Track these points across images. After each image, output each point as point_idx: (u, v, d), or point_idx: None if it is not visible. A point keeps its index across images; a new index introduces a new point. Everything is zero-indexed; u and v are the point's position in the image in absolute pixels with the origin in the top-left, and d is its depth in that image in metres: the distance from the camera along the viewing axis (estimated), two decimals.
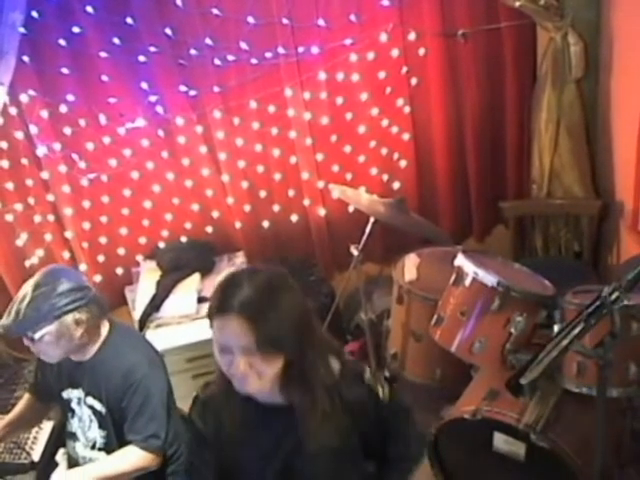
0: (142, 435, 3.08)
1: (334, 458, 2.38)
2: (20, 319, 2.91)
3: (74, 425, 3.33)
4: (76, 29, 4.41)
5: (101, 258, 5.11)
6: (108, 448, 3.22)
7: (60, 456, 3.56)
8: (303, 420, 2.33)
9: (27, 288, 2.96)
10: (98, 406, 3.17)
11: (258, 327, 2.12)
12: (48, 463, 3.70)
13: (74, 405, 3.27)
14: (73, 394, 3.25)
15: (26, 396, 3.52)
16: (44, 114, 4.60)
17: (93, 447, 3.26)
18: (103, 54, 4.49)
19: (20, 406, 3.50)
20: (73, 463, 3.43)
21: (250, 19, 4.49)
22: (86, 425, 3.25)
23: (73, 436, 3.36)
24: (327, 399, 2.31)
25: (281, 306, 2.18)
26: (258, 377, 2.22)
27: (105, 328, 3.19)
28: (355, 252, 4.17)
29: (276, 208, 5.09)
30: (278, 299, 2.19)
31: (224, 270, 4.93)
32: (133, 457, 3.08)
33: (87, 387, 3.19)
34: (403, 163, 5.04)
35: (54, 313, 2.93)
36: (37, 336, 2.94)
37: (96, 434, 3.23)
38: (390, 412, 2.50)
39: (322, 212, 5.13)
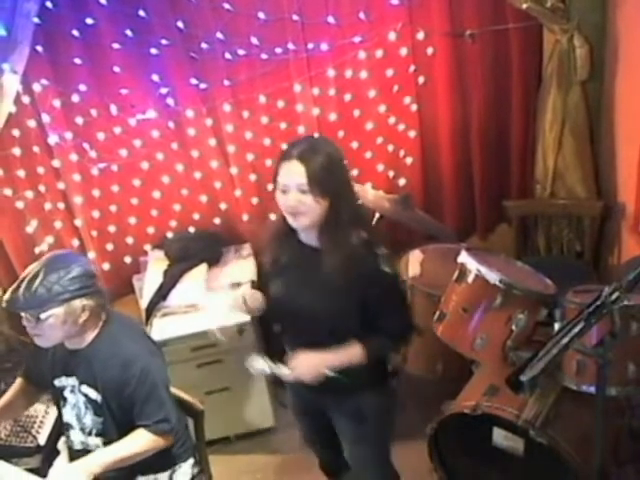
0: (152, 420, 3.07)
1: (338, 303, 2.93)
2: (30, 296, 2.87)
3: (67, 414, 3.30)
4: (89, 20, 4.41)
5: (110, 247, 5.11)
6: (105, 434, 3.20)
7: (62, 444, 3.56)
8: (325, 259, 2.89)
9: (39, 267, 2.92)
10: (93, 394, 3.14)
11: (309, 171, 2.77)
12: (54, 447, 3.71)
13: (67, 393, 3.24)
14: (67, 382, 3.22)
15: (18, 380, 3.46)
16: (56, 103, 4.60)
17: (90, 434, 3.24)
18: (115, 45, 4.50)
19: (12, 390, 3.44)
20: (71, 453, 3.42)
21: (261, 15, 4.49)
22: (82, 412, 3.22)
23: (67, 425, 3.34)
24: (348, 251, 2.87)
25: (329, 161, 2.83)
26: (306, 213, 2.83)
27: (103, 318, 3.16)
28: None
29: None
30: (328, 156, 2.84)
31: (231, 261, 4.97)
32: (144, 440, 3.09)
33: (82, 375, 3.16)
34: (409, 160, 5.03)
35: (65, 296, 2.90)
36: (43, 316, 2.90)
37: (92, 421, 3.20)
38: (390, 290, 2.99)
39: None
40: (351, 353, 2.97)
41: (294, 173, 2.80)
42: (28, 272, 2.93)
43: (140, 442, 3.09)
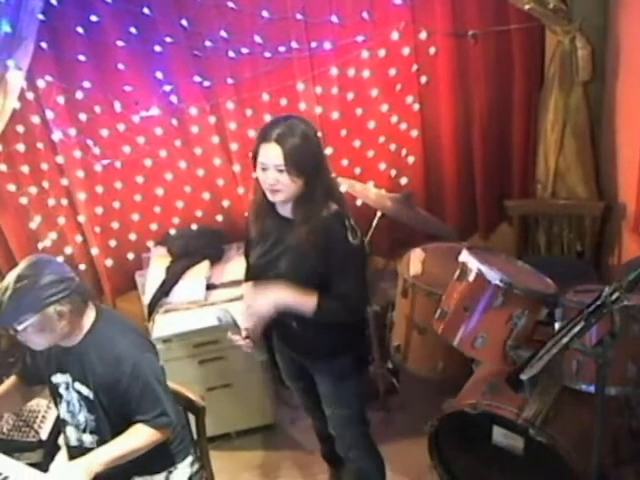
0: (150, 415, 3.08)
1: (304, 270, 3.17)
2: (2, 312, 2.87)
3: (62, 410, 3.31)
4: (94, 17, 4.42)
5: (113, 243, 5.12)
6: (99, 431, 3.21)
7: (62, 440, 3.56)
8: (296, 230, 3.15)
9: (10, 279, 2.90)
10: (85, 391, 3.14)
11: (286, 153, 2.97)
12: (55, 442, 3.72)
13: (62, 390, 3.24)
14: (62, 379, 3.22)
15: (13, 378, 3.45)
16: (60, 100, 4.61)
17: (84, 431, 3.24)
18: (120, 43, 4.50)
19: (5, 386, 3.43)
20: (68, 450, 3.43)
21: (265, 13, 4.48)
22: (76, 409, 3.23)
23: (63, 422, 3.35)
24: (319, 222, 3.11)
25: (305, 142, 3.02)
26: (282, 190, 3.05)
27: (91, 315, 3.14)
28: None
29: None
30: (304, 137, 3.03)
31: (233, 258, 4.96)
32: (144, 435, 3.08)
33: (75, 373, 3.16)
34: (411, 159, 5.03)
35: (36, 305, 2.89)
36: (20, 328, 2.89)
37: (85, 418, 3.21)
38: (350, 258, 3.16)
39: None
40: (305, 299, 3.17)
41: (272, 155, 3.00)
42: (1, 286, 2.92)
43: (139, 437, 3.09)
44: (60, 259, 4.88)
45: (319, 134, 3.24)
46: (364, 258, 3.31)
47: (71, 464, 3.10)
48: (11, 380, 3.45)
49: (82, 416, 3.21)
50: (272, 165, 3.01)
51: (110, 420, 3.16)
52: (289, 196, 3.10)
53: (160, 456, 3.32)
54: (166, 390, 3.22)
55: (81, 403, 3.18)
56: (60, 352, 3.15)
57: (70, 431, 3.32)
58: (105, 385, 3.08)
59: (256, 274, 3.39)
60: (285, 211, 3.23)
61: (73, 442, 3.32)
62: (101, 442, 3.17)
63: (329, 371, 3.49)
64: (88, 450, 3.14)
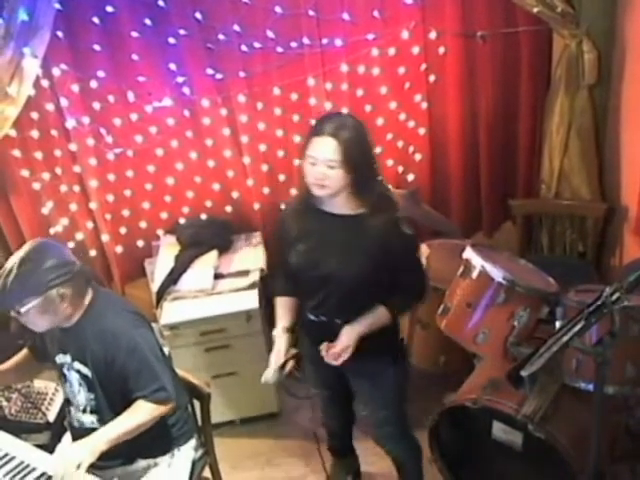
0: (148, 390, 3.09)
1: (364, 266, 3.09)
2: (6, 294, 2.90)
3: (67, 390, 3.34)
4: (109, 8, 4.41)
5: (123, 230, 5.12)
6: (98, 411, 3.24)
7: (67, 421, 3.59)
8: (351, 226, 3.12)
9: (13, 262, 2.93)
10: (84, 370, 3.17)
11: (340, 147, 2.92)
12: (62, 424, 3.73)
13: (65, 370, 3.27)
14: (64, 359, 3.25)
15: (24, 351, 3.51)
16: (75, 88, 4.60)
17: (84, 411, 3.27)
18: (134, 34, 4.49)
19: (17, 358, 3.49)
20: (71, 430, 3.46)
21: (278, 9, 4.48)
22: (75, 389, 3.25)
23: (67, 402, 3.38)
24: (370, 217, 3.08)
25: (357, 137, 2.99)
26: (329, 186, 3.00)
27: (89, 296, 3.17)
28: None
29: (294, 192, 5.03)
30: (356, 132, 2.99)
31: (241, 249, 4.98)
32: (145, 410, 3.10)
33: (73, 352, 3.19)
34: (418, 157, 5.03)
35: (39, 288, 2.92)
36: (23, 310, 2.93)
37: (85, 398, 3.24)
38: (410, 250, 3.24)
39: None
40: (378, 317, 3.19)
41: (325, 149, 2.95)
42: (4, 268, 2.95)
43: (141, 413, 3.11)
44: (70, 244, 4.92)
45: (369, 132, 3.15)
46: (419, 246, 3.42)
47: (75, 444, 3.12)
48: (23, 353, 3.50)
49: (82, 396, 3.24)
50: (323, 159, 2.96)
51: (109, 399, 3.19)
52: (335, 192, 3.05)
53: (163, 439, 3.35)
54: (164, 365, 3.24)
55: (80, 383, 3.22)
56: (60, 333, 3.19)
57: (73, 411, 3.35)
58: (103, 362, 3.11)
59: (298, 273, 3.32)
60: (332, 207, 3.17)
61: (75, 422, 3.36)
62: (101, 422, 3.22)
63: (369, 372, 3.44)
64: (89, 430, 3.17)
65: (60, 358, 3.26)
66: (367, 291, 3.16)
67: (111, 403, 3.19)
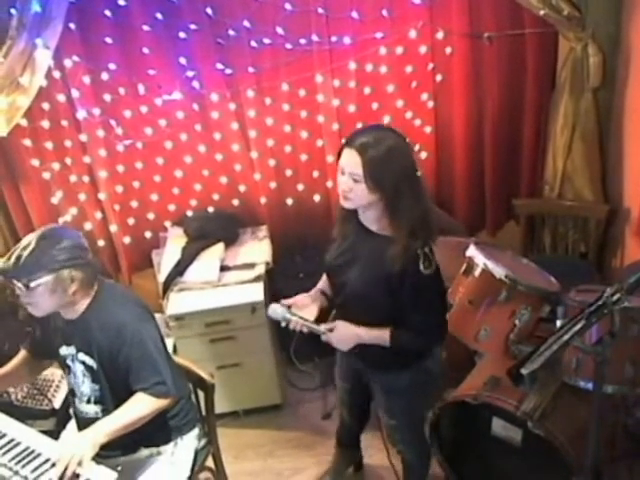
0: (149, 383, 3.11)
1: (376, 287, 3.05)
2: (19, 265, 2.91)
3: (71, 381, 3.35)
4: (121, 1, 4.42)
5: (131, 221, 5.13)
6: (102, 401, 3.25)
7: (72, 410, 3.60)
8: (373, 245, 3.06)
9: (32, 237, 2.96)
10: (90, 361, 3.18)
11: (364, 164, 2.84)
12: (67, 411, 3.74)
13: (69, 362, 3.28)
14: (67, 351, 3.25)
15: (22, 352, 3.49)
16: (86, 80, 4.61)
17: (89, 401, 3.28)
18: (146, 27, 4.50)
19: (15, 361, 3.48)
20: (76, 419, 3.48)
21: (287, 6, 4.49)
22: (80, 380, 3.26)
23: (72, 393, 3.39)
24: (393, 243, 2.96)
25: (388, 156, 2.85)
26: (353, 199, 2.97)
27: (95, 289, 3.19)
28: None
29: (300, 187, 5.09)
30: (388, 151, 2.85)
31: (247, 242, 5.00)
32: (145, 403, 3.12)
33: (78, 344, 3.20)
34: (424, 155, 5.01)
35: (53, 265, 2.93)
36: (32, 284, 2.93)
37: (89, 389, 3.25)
38: (423, 289, 3.01)
39: None
40: (379, 337, 3.12)
41: (351, 162, 2.89)
42: (21, 242, 2.97)
43: (141, 406, 3.12)
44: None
45: (411, 149, 3.04)
46: (437, 287, 3.13)
47: (76, 437, 3.15)
48: (20, 355, 3.49)
49: (87, 387, 3.25)
50: (348, 172, 2.90)
51: (113, 390, 3.21)
52: (359, 205, 3.02)
53: (166, 428, 3.37)
54: (167, 360, 3.26)
55: (85, 374, 3.23)
56: (64, 325, 3.21)
57: (77, 401, 3.36)
58: (108, 354, 3.12)
59: (329, 273, 3.36)
60: (365, 220, 3.13)
61: (79, 413, 3.37)
62: (105, 412, 3.23)
63: (382, 383, 3.46)
64: (93, 420, 3.19)
65: (64, 350, 3.27)
66: (378, 310, 3.13)
67: (115, 394, 3.20)
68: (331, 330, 3.18)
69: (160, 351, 3.22)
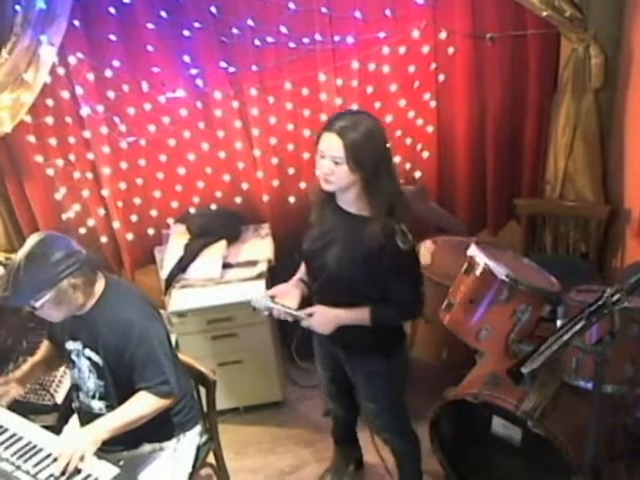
0: (153, 382, 3.12)
1: (356, 268, 3.11)
2: (19, 291, 2.92)
3: (75, 376, 3.35)
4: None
5: (134, 218, 5.14)
6: (107, 397, 3.26)
7: (75, 405, 3.60)
8: (352, 226, 3.14)
9: (20, 259, 2.94)
10: (95, 358, 3.19)
11: (345, 146, 2.93)
12: (70, 406, 3.74)
13: (74, 357, 3.28)
14: (74, 346, 3.26)
15: (45, 342, 3.54)
16: (90, 77, 4.61)
17: (94, 397, 3.29)
18: (150, 25, 4.50)
19: (42, 350, 3.53)
20: (78, 415, 3.49)
21: (291, 5, 4.49)
22: (85, 376, 3.27)
23: (75, 387, 3.40)
24: (371, 222, 3.06)
25: (367, 138, 2.96)
26: (334, 182, 3.05)
27: (101, 284, 3.19)
28: None
29: (303, 185, 5.08)
30: (367, 133, 2.96)
31: (249, 239, 5.01)
32: (147, 402, 3.13)
33: (85, 340, 3.20)
34: (426, 154, 5.02)
35: (50, 282, 2.93)
36: (38, 304, 2.94)
37: (95, 385, 3.25)
38: (402, 264, 3.12)
39: None
40: (359, 316, 3.20)
41: (331, 145, 2.97)
42: (12, 266, 2.96)
43: (143, 404, 3.14)
44: (81, 230, 4.97)
45: (385, 132, 3.13)
46: (414, 262, 3.25)
47: (78, 433, 3.18)
48: (45, 344, 3.54)
49: (91, 382, 3.26)
50: (329, 155, 2.98)
51: (118, 387, 3.21)
52: (340, 188, 3.09)
53: (168, 424, 3.37)
54: (171, 360, 3.26)
55: (91, 369, 3.23)
56: (71, 320, 3.19)
57: (81, 397, 3.37)
58: (114, 351, 3.13)
59: (307, 259, 3.44)
60: (343, 203, 3.21)
61: (83, 408, 3.38)
62: (109, 408, 3.24)
63: (362, 367, 3.50)
64: (97, 415, 3.20)
65: (70, 344, 3.28)
66: (355, 292, 3.21)
67: (120, 390, 3.21)
68: (311, 315, 3.24)
69: (165, 350, 3.22)
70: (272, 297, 3.32)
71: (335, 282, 3.23)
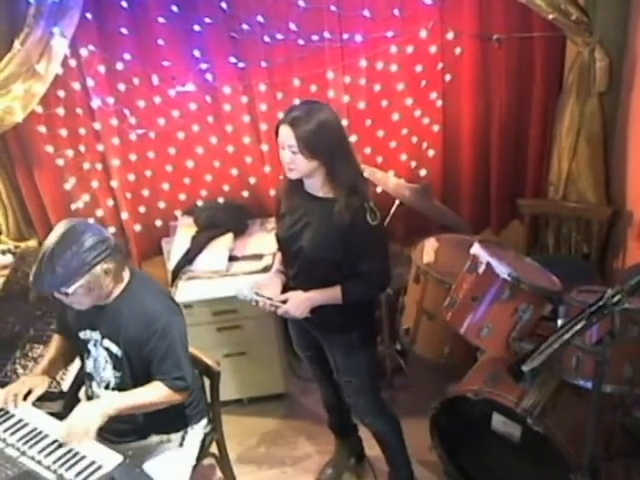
0: (170, 376, 3.13)
1: (328, 247, 3.26)
2: (52, 278, 2.90)
3: (89, 365, 3.35)
4: None
5: (142, 209, 5.15)
6: (121, 388, 3.25)
7: (83, 393, 3.60)
8: (323, 208, 3.27)
9: (52, 246, 2.92)
10: (114, 349, 3.19)
11: (297, 136, 3.08)
12: (75, 394, 3.75)
13: (90, 346, 3.28)
14: (91, 335, 3.25)
15: (55, 337, 3.53)
16: (101, 69, 4.62)
17: (107, 387, 3.29)
18: (161, 19, 4.51)
19: (55, 346, 3.50)
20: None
21: (301, 2, 4.49)
22: (101, 366, 3.27)
23: (89, 376, 3.39)
24: (339, 202, 3.20)
25: (319, 128, 3.10)
26: (295, 169, 3.20)
27: (127, 274, 3.20)
28: None
29: None
30: (319, 123, 3.10)
31: (255, 233, 5.02)
32: (160, 392, 3.14)
33: (105, 330, 3.20)
34: (431, 152, 5.02)
35: (85, 268, 2.93)
36: (70, 290, 2.94)
37: (110, 375, 3.25)
38: (370, 239, 3.26)
39: None
40: (331, 294, 3.35)
41: (286, 136, 3.14)
42: (44, 252, 2.93)
43: (156, 393, 3.14)
44: (90, 220, 4.93)
45: (340, 121, 3.31)
46: (383, 237, 3.40)
47: (88, 405, 3.19)
48: (56, 339, 3.52)
49: (107, 373, 3.26)
50: (286, 145, 3.14)
51: (134, 378, 3.21)
52: (303, 175, 3.25)
53: (177, 417, 3.38)
54: (188, 356, 3.27)
55: (107, 360, 3.23)
56: (92, 309, 3.17)
57: (94, 386, 3.36)
58: (135, 343, 3.13)
59: (283, 246, 3.55)
60: (310, 188, 3.35)
61: (95, 397, 3.36)
62: None
63: (338, 344, 3.61)
64: None
65: (87, 334, 3.27)
66: (330, 271, 3.34)
67: (136, 382, 3.21)
68: (285, 302, 3.36)
69: (185, 346, 3.24)
70: (257, 290, 3.42)
71: (312, 263, 3.35)
